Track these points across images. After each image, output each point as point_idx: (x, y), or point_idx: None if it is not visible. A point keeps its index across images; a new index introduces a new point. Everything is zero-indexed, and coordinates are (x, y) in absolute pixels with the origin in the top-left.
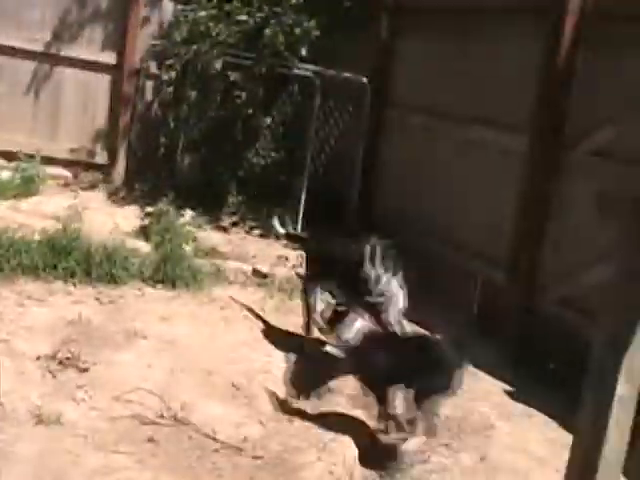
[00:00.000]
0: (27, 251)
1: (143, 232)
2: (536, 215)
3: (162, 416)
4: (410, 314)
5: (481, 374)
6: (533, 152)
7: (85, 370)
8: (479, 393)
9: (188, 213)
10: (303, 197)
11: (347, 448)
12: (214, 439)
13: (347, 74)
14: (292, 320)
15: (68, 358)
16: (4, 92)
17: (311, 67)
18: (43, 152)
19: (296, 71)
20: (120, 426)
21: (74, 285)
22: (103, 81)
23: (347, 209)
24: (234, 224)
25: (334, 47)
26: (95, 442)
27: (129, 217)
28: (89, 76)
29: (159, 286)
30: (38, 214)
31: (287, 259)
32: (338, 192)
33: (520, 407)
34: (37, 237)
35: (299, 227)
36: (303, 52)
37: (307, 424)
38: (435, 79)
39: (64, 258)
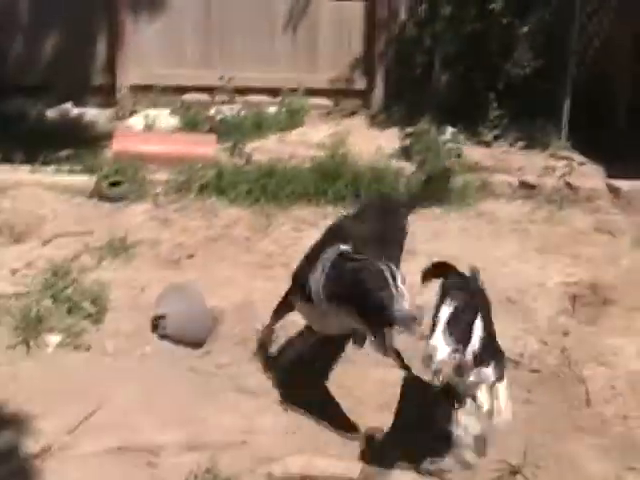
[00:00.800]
0: (299, 178)
1: (405, 153)
2: None
3: None
4: None
5: None
6: None
7: None
8: None
9: (448, 130)
10: (567, 104)
11: (629, 360)
12: None
13: None
14: (561, 231)
15: None
16: (266, 32)
17: None
18: (304, 84)
19: None
20: None
21: (344, 208)
22: (356, 8)
23: (616, 110)
24: (496, 137)
25: None
26: None
27: (390, 139)
28: (342, 5)
29: (425, 204)
30: (305, 144)
31: (554, 170)
32: (604, 94)
33: None
34: (307, 165)
35: (563, 136)
36: None
37: (584, 337)
38: None
39: (333, 183)
